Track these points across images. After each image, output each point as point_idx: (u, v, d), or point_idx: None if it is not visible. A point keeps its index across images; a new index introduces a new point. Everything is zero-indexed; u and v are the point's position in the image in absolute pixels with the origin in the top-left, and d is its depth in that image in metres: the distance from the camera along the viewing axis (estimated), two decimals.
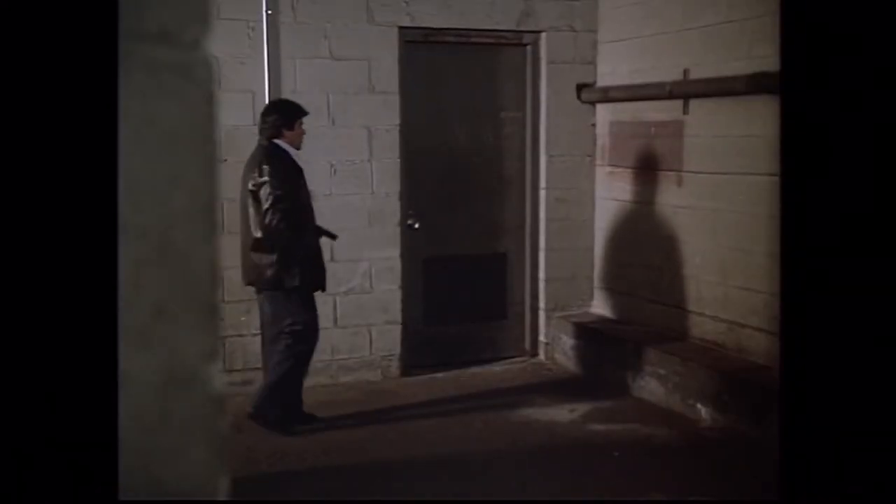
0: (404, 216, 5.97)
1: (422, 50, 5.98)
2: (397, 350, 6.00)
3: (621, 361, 5.74)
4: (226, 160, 5.40)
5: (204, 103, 0.78)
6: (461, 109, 6.19)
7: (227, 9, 5.35)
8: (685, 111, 5.56)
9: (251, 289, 5.59)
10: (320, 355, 5.71)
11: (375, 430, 5.00)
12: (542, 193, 6.35)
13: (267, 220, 4.70)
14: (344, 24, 5.69)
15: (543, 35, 6.22)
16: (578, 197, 6.41)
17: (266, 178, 4.70)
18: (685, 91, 5.50)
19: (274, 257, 4.76)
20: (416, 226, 6.03)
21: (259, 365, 5.66)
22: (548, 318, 6.43)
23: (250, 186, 4.77)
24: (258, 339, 5.66)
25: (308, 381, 5.77)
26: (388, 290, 5.96)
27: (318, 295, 5.98)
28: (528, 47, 6.27)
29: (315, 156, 5.66)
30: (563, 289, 6.44)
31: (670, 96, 5.58)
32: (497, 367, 6.28)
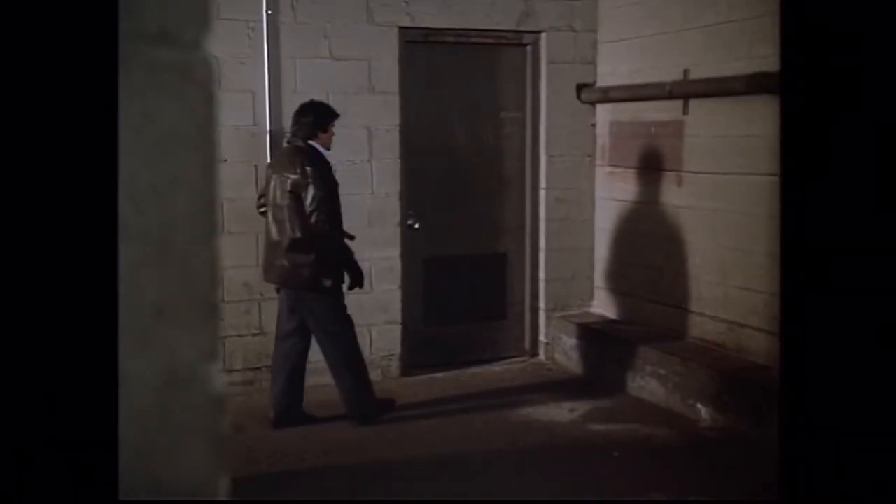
0: (404, 216, 5.97)
1: (422, 50, 5.98)
2: (397, 350, 6.00)
3: (621, 361, 5.74)
4: (226, 160, 5.41)
5: (204, 103, 0.78)
6: (461, 109, 6.19)
7: (227, 9, 5.35)
8: (685, 111, 5.56)
9: (251, 289, 5.60)
10: (320, 355, 5.71)
11: (375, 430, 5.00)
12: (542, 193, 6.35)
13: (313, 221, 4.75)
14: (344, 24, 5.69)
15: (543, 35, 6.22)
16: (578, 197, 6.41)
17: (311, 180, 4.76)
18: (685, 91, 5.50)
19: (312, 257, 4.80)
20: (416, 226, 6.03)
21: (259, 365, 5.66)
22: (548, 318, 6.43)
23: (289, 187, 4.79)
24: (258, 339, 5.66)
25: (308, 381, 5.77)
26: (388, 290, 5.96)
27: None
28: (528, 47, 6.27)
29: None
30: (563, 289, 6.44)
31: (670, 96, 5.58)
32: (497, 367, 6.28)
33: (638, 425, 5.09)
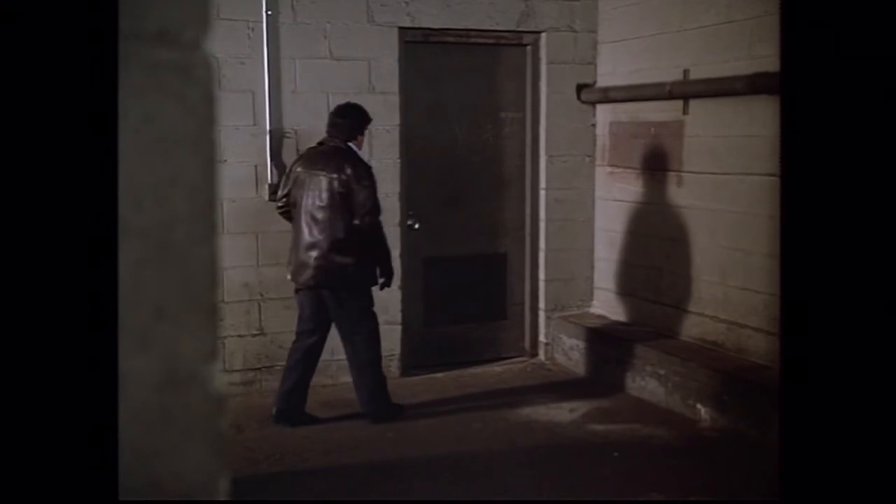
0: (404, 216, 5.97)
1: (422, 50, 5.98)
2: (397, 350, 6.00)
3: (621, 361, 5.74)
4: (225, 160, 5.41)
5: (204, 103, 0.78)
6: (461, 109, 6.19)
7: (227, 9, 5.35)
8: (685, 111, 5.56)
9: (251, 289, 5.61)
10: (321, 356, 5.71)
11: (375, 430, 5.00)
12: (542, 193, 6.35)
13: (364, 221, 4.84)
14: (344, 24, 5.70)
15: (543, 35, 6.22)
16: (578, 197, 6.41)
17: (361, 181, 4.84)
18: (685, 91, 5.50)
19: (355, 257, 4.86)
20: (416, 226, 6.04)
21: (259, 365, 5.67)
22: (548, 318, 6.43)
23: (338, 187, 4.82)
24: (258, 339, 5.67)
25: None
26: (389, 290, 5.96)
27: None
28: (528, 47, 6.27)
29: None
30: (563, 289, 6.44)
31: (670, 96, 5.59)
32: (497, 367, 6.28)
33: (638, 425, 5.09)
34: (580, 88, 6.31)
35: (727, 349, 5.32)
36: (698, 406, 5.13)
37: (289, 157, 5.63)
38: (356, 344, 5.02)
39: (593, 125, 6.39)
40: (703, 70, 5.39)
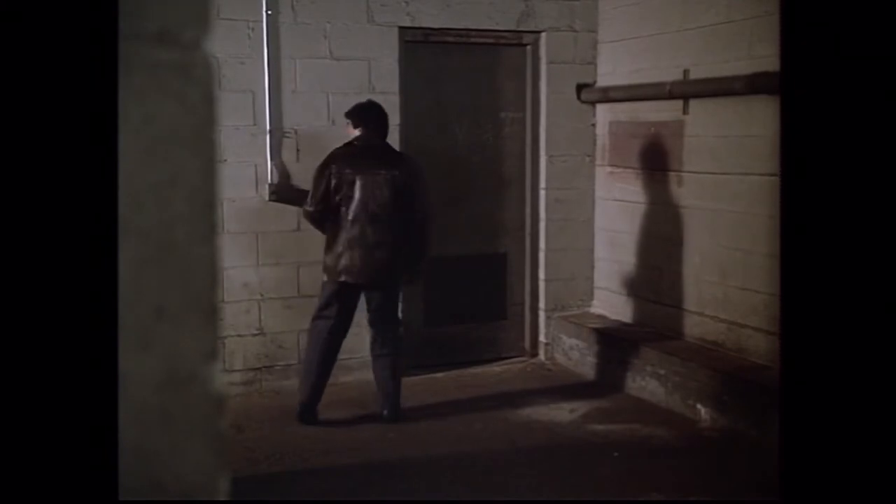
0: None
1: (422, 50, 5.98)
2: None
3: (621, 361, 5.74)
4: (225, 160, 5.41)
5: (204, 103, 0.78)
6: (461, 109, 6.19)
7: (227, 9, 5.35)
8: (685, 111, 5.56)
9: (250, 289, 5.60)
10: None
11: (375, 430, 5.00)
12: (542, 193, 6.35)
13: (425, 218, 4.97)
14: (344, 24, 5.69)
15: (543, 35, 6.22)
16: (578, 197, 6.41)
17: (417, 179, 4.95)
18: (685, 91, 5.50)
19: (402, 254, 4.93)
20: (416, 225, 6.03)
21: (259, 365, 5.67)
22: (548, 318, 6.43)
23: (398, 185, 4.86)
24: (258, 339, 5.67)
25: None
26: None
27: (317, 296, 5.98)
28: (528, 47, 6.27)
29: (315, 156, 5.66)
30: (563, 289, 6.44)
31: (670, 96, 5.59)
32: (497, 367, 6.27)
33: (638, 425, 5.09)
34: (580, 88, 6.31)
35: (727, 349, 5.32)
36: (698, 406, 5.13)
37: (289, 157, 5.63)
38: (389, 342, 5.04)
39: (593, 125, 6.39)
40: (702, 70, 5.39)
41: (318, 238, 5.63)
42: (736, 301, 5.26)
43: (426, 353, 6.12)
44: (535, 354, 6.49)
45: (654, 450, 4.75)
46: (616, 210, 6.23)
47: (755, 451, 4.49)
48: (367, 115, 4.97)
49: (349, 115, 5.04)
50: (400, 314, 5.95)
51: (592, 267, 6.49)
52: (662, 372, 5.39)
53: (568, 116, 6.32)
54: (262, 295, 5.65)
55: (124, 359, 0.74)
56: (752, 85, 4.89)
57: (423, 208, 4.98)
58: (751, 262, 5.10)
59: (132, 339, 0.74)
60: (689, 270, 5.61)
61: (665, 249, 5.79)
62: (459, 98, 6.16)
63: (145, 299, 0.75)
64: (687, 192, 5.59)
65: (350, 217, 4.86)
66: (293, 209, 5.64)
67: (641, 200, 5.98)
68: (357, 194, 4.85)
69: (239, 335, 5.61)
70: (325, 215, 4.93)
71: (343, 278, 4.90)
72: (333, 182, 4.87)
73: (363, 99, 5.23)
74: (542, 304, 6.45)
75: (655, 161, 5.83)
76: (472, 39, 6.10)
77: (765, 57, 4.81)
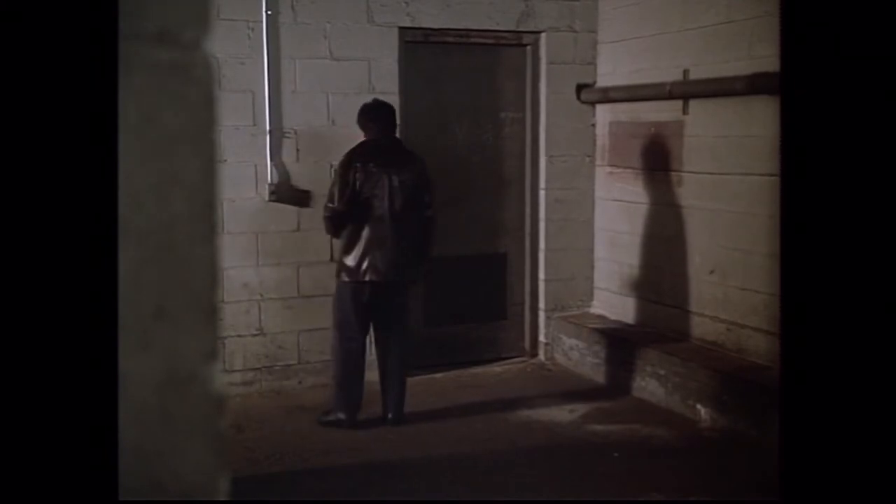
0: None
1: (422, 50, 5.98)
2: None
3: (621, 361, 5.74)
4: (225, 160, 5.41)
5: (204, 103, 0.78)
6: (461, 109, 6.19)
7: (227, 9, 5.35)
8: (685, 111, 5.56)
9: (250, 289, 5.60)
10: (321, 356, 5.71)
11: (375, 430, 5.00)
12: (542, 193, 6.35)
13: (433, 216, 5.03)
14: (344, 24, 5.69)
15: (543, 35, 6.22)
16: (578, 197, 6.41)
17: (429, 180, 5.02)
18: (685, 91, 5.50)
19: (417, 254, 4.99)
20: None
21: (259, 365, 5.67)
22: (548, 318, 6.43)
23: (415, 184, 4.90)
24: (258, 339, 5.67)
25: (307, 382, 5.78)
26: None
27: (317, 296, 5.98)
28: (528, 47, 6.27)
29: (315, 156, 5.66)
30: (562, 289, 6.44)
31: (670, 96, 5.59)
32: (497, 368, 6.27)
33: (638, 425, 5.09)
34: (580, 88, 6.31)
35: (727, 349, 5.32)
36: (698, 406, 5.13)
37: (289, 157, 5.64)
38: (398, 345, 5.04)
39: (593, 125, 6.39)
40: (702, 70, 5.39)
41: (317, 238, 5.64)
42: (736, 301, 5.26)
43: (426, 353, 6.12)
44: (534, 355, 6.49)
45: (654, 450, 4.75)
46: (616, 210, 6.23)
47: (755, 451, 4.49)
48: (379, 113, 4.97)
49: (361, 114, 5.01)
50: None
51: (592, 267, 6.49)
52: (662, 372, 5.39)
53: (568, 116, 6.32)
54: (262, 295, 5.65)
55: (124, 359, 0.74)
56: (752, 85, 4.89)
57: (431, 207, 5.02)
58: (751, 262, 5.10)
59: (132, 339, 0.74)
60: (689, 270, 5.61)
61: (665, 249, 5.80)
62: (459, 98, 6.16)
63: (145, 299, 0.75)
64: (687, 192, 5.59)
65: (376, 216, 4.84)
66: (293, 209, 5.65)
67: (641, 200, 5.98)
68: (382, 193, 4.84)
69: (239, 335, 5.61)
70: (353, 214, 4.86)
71: (368, 277, 4.86)
72: (360, 180, 4.82)
73: (363, 99, 5.23)
74: (541, 305, 6.45)
75: (655, 161, 5.83)
76: (472, 39, 6.10)
77: (765, 57, 4.81)
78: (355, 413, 5.00)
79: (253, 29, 5.48)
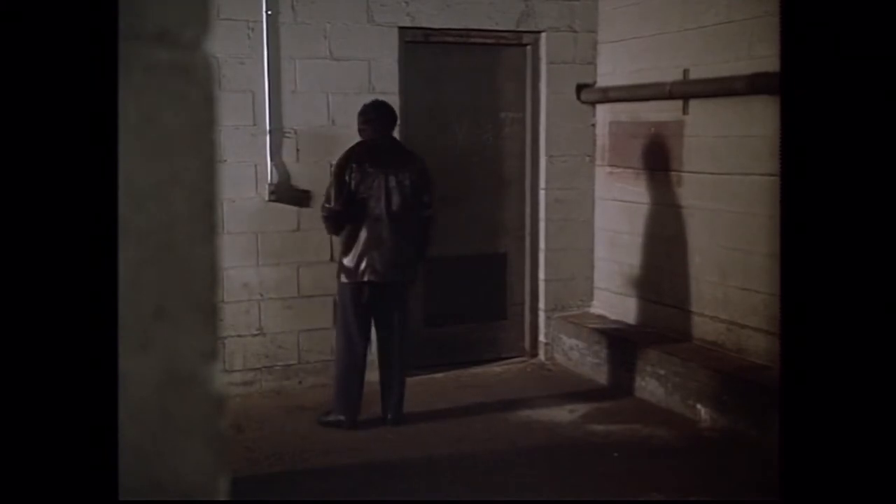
0: None
1: (422, 50, 5.98)
2: None
3: (621, 361, 5.74)
4: (225, 160, 5.41)
5: (204, 103, 0.78)
6: (461, 109, 6.19)
7: (227, 9, 5.35)
8: (685, 111, 5.56)
9: (250, 289, 5.60)
10: (321, 356, 5.72)
11: (375, 430, 5.00)
12: (542, 194, 6.35)
13: (432, 215, 5.05)
14: (344, 24, 5.69)
15: (543, 35, 6.22)
16: (578, 197, 6.41)
17: (429, 180, 5.02)
18: (685, 91, 5.50)
19: (416, 253, 5.01)
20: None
21: (259, 365, 5.67)
22: (548, 318, 6.43)
23: (414, 183, 4.91)
24: (258, 339, 5.67)
25: (307, 382, 5.78)
26: None
27: (317, 296, 5.98)
28: (528, 47, 6.27)
29: (315, 156, 5.66)
30: (562, 289, 6.44)
31: (670, 96, 5.58)
32: (497, 367, 6.27)
33: (638, 425, 5.09)
34: (580, 88, 6.31)
35: (727, 349, 5.31)
36: (698, 406, 5.13)
37: (289, 157, 5.64)
38: (397, 343, 5.04)
39: (593, 125, 6.39)
40: (702, 70, 5.39)
41: (318, 238, 5.64)
42: (736, 301, 5.26)
43: (426, 353, 6.12)
44: (534, 354, 6.49)
45: (654, 450, 4.75)
46: (616, 210, 6.23)
47: (755, 451, 4.49)
48: (377, 114, 4.96)
49: (359, 114, 5.00)
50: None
51: (592, 267, 6.49)
52: (662, 372, 5.39)
53: (568, 116, 6.32)
54: (261, 295, 5.65)
55: (124, 359, 0.74)
56: (752, 85, 4.89)
57: (430, 206, 5.03)
58: (751, 262, 5.10)
59: (132, 339, 0.74)
60: (689, 270, 5.61)
61: (665, 249, 5.79)
62: (459, 98, 6.16)
63: (145, 299, 0.75)
64: (687, 192, 5.59)
65: (373, 216, 4.84)
66: (293, 209, 5.65)
67: (641, 200, 5.98)
68: (379, 193, 4.84)
69: (239, 335, 5.61)
70: (349, 214, 4.86)
71: (367, 278, 4.86)
72: (356, 180, 4.83)
73: (363, 99, 5.23)
74: (541, 305, 6.45)
75: (655, 161, 5.83)
76: (472, 39, 6.10)
77: (765, 57, 4.81)
78: (355, 414, 5.00)
79: (253, 29, 5.48)
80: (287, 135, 5.62)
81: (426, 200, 4.99)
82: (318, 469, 4.52)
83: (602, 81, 6.29)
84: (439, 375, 6.03)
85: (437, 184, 5.81)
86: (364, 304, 4.93)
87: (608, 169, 6.29)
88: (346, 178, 4.83)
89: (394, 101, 5.81)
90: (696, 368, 5.17)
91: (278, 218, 5.63)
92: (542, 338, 6.47)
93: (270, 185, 5.57)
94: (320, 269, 5.69)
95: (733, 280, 5.27)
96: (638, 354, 5.60)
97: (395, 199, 4.85)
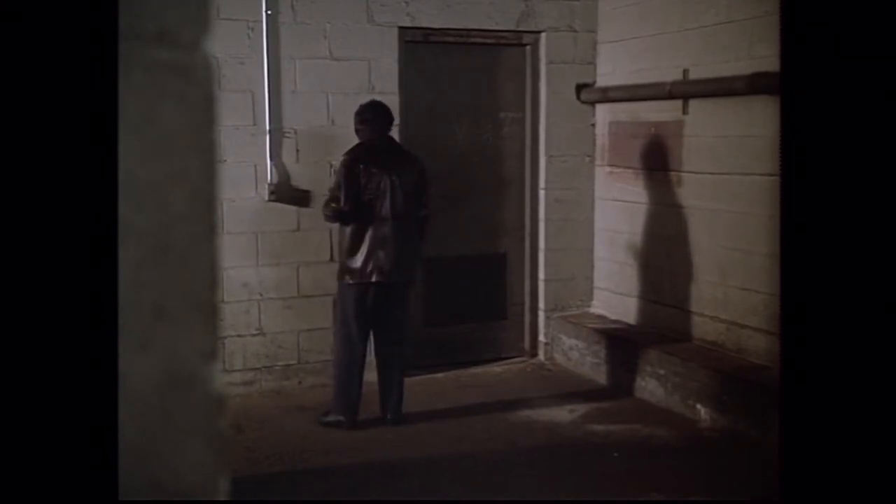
0: None
1: (422, 50, 5.98)
2: None
3: (621, 361, 5.74)
4: (225, 160, 5.41)
5: (204, 103, 0.78)
6: (461, 109, 6.19)
7: (227, 9, 5.35)
8: (685, 111, 5.56)
9: (250, 289, 5.60)
10: (321, 356, 5.72)
11: (375, 430, 5.00)
12: (542, 194, 6.35)
13: (428, 215, 5.10)
14: (344, 24, 5.69)
15: (543, 35, 6.22)
16: (578, 197, 6.41)
17: (426, 181, 5.05)
18: (685, 91, 5.50)
19: (412, 254, 5.03)
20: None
21: (258, 365, 5.67)
22: (547, 318, 6.43)
23: (415, 183, 4.95)
24: (258, 339, 5.67)
25: (307, 382, 5.78)
26: None
27: (317, 296, 5.99)
28: (528, 47, 6.27)
29: (315, 156, 5.66)
30: (562, 289, 6.44)
31: (670, 96, 5.58)
32: (497, 367, 6.27)
33: (638, 425, 5.09)
34: (580, 88, 6.31)
35: (727, 349, 5.31)
36: (698, 406, 5.13)
37: (289, 157, 5.64)
38: (397, 343, 5.05)
39: (593, 125, 6.39)
40: (702, 70, 5.39)
41: (318, 238, 5.64)
42: (736, 301, 5.26)
43: (426, 353, 6.12)
44: (534, 354, 6.49)
45: (654, 450, 4.75)
46: (616, 210, 6.23)
47: (755, 451, 4.49)
48: (375, 114, 4.96)
49: (357, 115, 5.00)
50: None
51: (592, 267, 6.49)
52: (662, 372, 5.39)
53: (568, 116, 6.32)
54: (261, 295, 5.65)
55: (124, 359, 0.74)
56: (752, 85, 4.89)
57: (426, 206, 5.05)
58: (751, 262, 5.10)
59: (132, 339, 0.74)
60: (689, 270, 5.61)
61: (665, 249, 5.79)
62: (459, 98, 6.16)
63: (145, 299, 0.75)
64: (687, 192, 5.59)
65: (379, 217, 4.84)
66: (293, 209, 5.65)
67: (641, 200, 5.98)
68: (384, 194, 4.84)
69: (239, 335, 5.61)
70: (358, 214, 4.84)
71: (375, 279, 4.86)
72: (364, 180, 4.83)
73: (363, 99, 5.22)
74: (541, 304, 6.45)
75: (655, 161, 5.83)
76: (472, 39, 6.10)
77: (765, 57, 4.80)
78: (355, 415, 5.00)
79: (253, 29, 5.48)
80: (287, 135, 5.62)
81: (423, 200, 5.03)
82: (318, 469, 4.52)
83: (602, 81, 6.29)
84: (439, 375, 6.03)
85: (437, 184, 5.82)
86: (368, 304, 4.93)
87: (608, 169, 6.29)
88: (355, 178, 4.82)
89: (394, 101, 5.81)
90: (696, 368, 5.17)
91: (278, 218, 5.63)
92: (541, 338, 6.47)
93: (270, 185, 5.57)
94: (320, 269, 5.69)
95: (733, 280, 5.27)
96: (638, 354, 5.60)
97: (399, 200, 4.86)
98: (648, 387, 5.50)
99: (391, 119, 5.05)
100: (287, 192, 5.61)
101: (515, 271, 6.47)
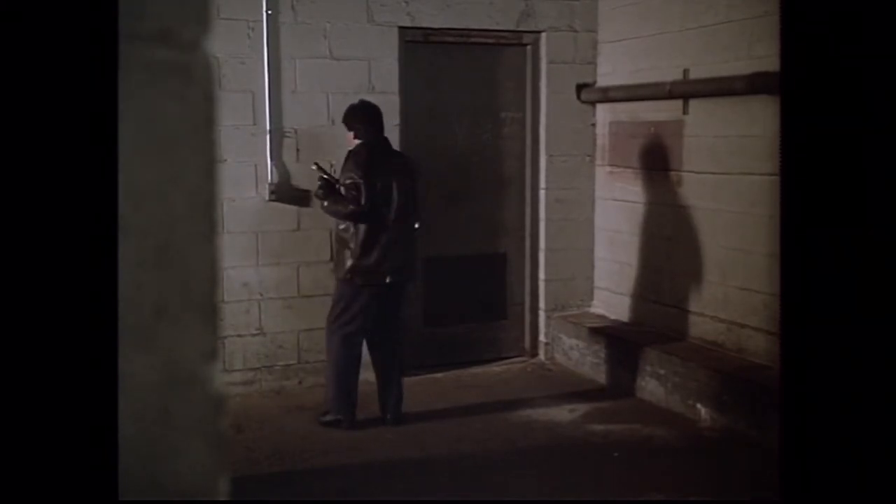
0: None
1: (422, 50, 5.98)
2: None
3: (621, 361, 5.74)
4: (225, 160, 5.41)
5: (204, 103, 0.78)
6: (461, 109, 6.19)
7: (227, 9, 5.35)
8: (685, 111, 5.56)
9: (250, 289, 5.60)
10: (320, 356, 5.71)
11: (375, 430, 5.00)
12: (542, 193, 6.35)
13: (422, 217, 5.16)
14: (344, 24, 5.69)
15: (543, 35, 6.22)
16: (578, 197, 6.41)
17: (420, 185, 5.10)
18: (685, 91, 5.50)
19: (415, 255, 5.09)
20: (417, 226, 6.03)
21: (258, 365, 5.67)
22: (548, 318, 6.43)
23: (413, 186, 4.99)
24: (258, 339, 5.67)
25: (307, 382, 5.78)
26: None
27: (317, 296, 5.99)
28: (528, 47, 6.27)
29: (315, 156, 5.66)
30: (563, 289, 6.44)
31: (670, 96, 5.58)
32: (497, 367, 6.27)
33: (638, 425, 5.09)
34: (580, 88, 6.31)
35: (727, 349, 5.31)
36: (698, 406, 5.13)
37: (289, 157, 5.63)
38: (397, 343, 5.08)
39: (593, 125, 6.39)
40: (702, 70, 5.39)
41: (318, 238, 5.64)
42: (736, 301, 5.26)
43: (426, 353, 6.12)
44: (535, 354, 6.49)
45: (654, 450, 4.75)
46: (616, 210, 6.23)
47: (755, 451, 4.49)
48: (373, 114, 4.96)
49: (352, 114, 4.97)
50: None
51: (592, 267, 6.49)
52: (662, 372, 5.39)
53: (568, 116, 6.32)
54: (261, 295, 5.65)
55: (124, 359, 0.74)
56: (752, 85, 4.89)
57: (422, 209, 5.10)
58: (751, 262, 5.10)
59: (132, 339, 0.74)
60: (689, 270, 5.61)
61: (665, 249, 5.80)
62: (459, 98, 6.16)
63: (145, 299, 0.75)
64: (687, 191, 5.59)
65: (389, 217, 4.85)
66: (293, 209, 5.65)
67: (641, 200, 5.98)
68: (392, 194, 4.86)
69: (239, 335, 5.61)
70: (373, 214, 4.83)
71: (389, 279, 4.88)
72: (374, 185, 4.81)
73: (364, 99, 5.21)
74: (542, 304, 6.45)
75: (655, 161, 5.83)
76: (472, 39, 6.10)
77: (765, 57, 4.81)
78: (354, 414, 5.00)
79: (253, 29, 5.48)
80: (287, 135, 5.62)
81: (420, 203, 5.12)
82: (318, 469, 4.52)
83: (602, 81, 6.29)
84: (439, 375, 6.03)
85: (437, 184, 5.84)
86: (377, 305, 4.94)
87: (608, 169, 6.29)
88: (372, 180, 4.80)
89: (394, 101, 5.82)
90: (696, 368, 5.17)
91: (278, 218, 5.63)
92: (542, 338, 6.47)
93: (270, 184, 5.57)
94: (320, 269, 5.69)
95: (733, 280, 5.27)
96: (638, 354, 5.60)
97: (404, 201, 4.89)
98: (648, 387, 5.50)
99: (381, 119, 5.03)
100: (287, 192, 5.61)
101: (516, 271, 6.47)
